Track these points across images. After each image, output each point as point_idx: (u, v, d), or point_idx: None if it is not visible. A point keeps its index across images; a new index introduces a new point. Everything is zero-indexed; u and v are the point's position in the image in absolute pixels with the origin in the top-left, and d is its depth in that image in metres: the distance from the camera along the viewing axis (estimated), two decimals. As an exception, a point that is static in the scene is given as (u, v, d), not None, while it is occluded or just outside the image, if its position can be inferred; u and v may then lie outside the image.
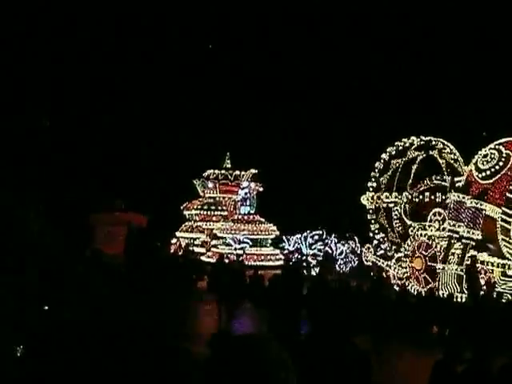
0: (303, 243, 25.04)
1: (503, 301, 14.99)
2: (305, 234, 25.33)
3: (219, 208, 29.37)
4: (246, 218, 26.51)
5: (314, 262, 24.03)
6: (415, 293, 17.48)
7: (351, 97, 32.21)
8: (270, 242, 26.35)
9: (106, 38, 31.49)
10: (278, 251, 26.13)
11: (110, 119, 33.09)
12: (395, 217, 19.97)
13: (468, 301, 14.97)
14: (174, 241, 30.07)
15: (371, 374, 5.61)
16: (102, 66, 32.06)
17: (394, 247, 19.88)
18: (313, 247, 24.85)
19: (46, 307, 8.28)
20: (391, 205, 20.04)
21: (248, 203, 26.92)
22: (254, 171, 28.44)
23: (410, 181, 19.95)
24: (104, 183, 30.23)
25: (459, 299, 15.98)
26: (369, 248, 20.82)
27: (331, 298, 12.07)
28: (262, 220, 26.63)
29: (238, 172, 29.76)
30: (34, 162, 27.69)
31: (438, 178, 19.18)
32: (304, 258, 24.44)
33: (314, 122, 33.70)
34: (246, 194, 27.09)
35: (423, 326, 13.90)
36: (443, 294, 16.50)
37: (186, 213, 30.62)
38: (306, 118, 33.93)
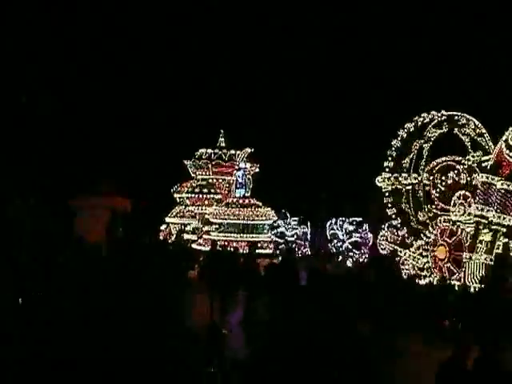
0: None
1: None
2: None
3: (212, 191, 29.34)
4: (241, 201, 26.46)
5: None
6: (426, 282, 17.51)
7: (361, 65, 31.99)
8: (267, 227, 26.35)
9: (90, 13, 31.31)
10: (273, 237, 26.23)
11: (95, 93, 32.88)
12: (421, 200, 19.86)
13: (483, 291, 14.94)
14: (163, 227, 30.10)
15: (370, 359, 5.66)
16: (87, 38, 31.85)
17: (412, 234, 19.76)
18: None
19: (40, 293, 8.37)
20: (416, 187, 19.90)
21: (243, 185, 26.84)
22: (249, 150, 28.33)
23: (424, 161, 19.82)
24: (86, 164, 30.11)
25: (472, 289, 15.98)
26: (384, 235, 20.73)
27: (333, 288, 12.08)
28: (259, 204, 26.59)
29: (232, 151, 29.67)
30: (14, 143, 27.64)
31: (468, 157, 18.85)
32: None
33: (318, 92, 33.52)
34: (242, 175, 26.99)
35: (434, 319, 13.94)
36: (455, 284, 16.50)
37: (176, 196, 30.60)
38: (309, 89, 33.75)
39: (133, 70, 33.43)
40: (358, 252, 24.92)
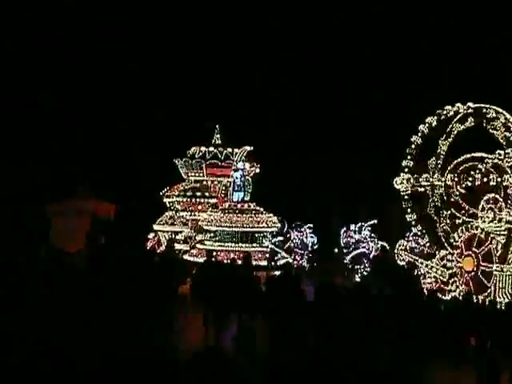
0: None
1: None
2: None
3: (206, 194, 29.30)
4: (239, 206, 26.42)
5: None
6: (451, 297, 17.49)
7: (372, 51, 32.07)
8: (268, 236, 26.31)
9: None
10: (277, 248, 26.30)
11: (70, 83, 32.88)
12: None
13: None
14: (151, 235, 30.06)
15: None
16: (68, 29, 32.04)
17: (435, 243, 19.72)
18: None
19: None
20: (441, 190, 19.85)
21: (242, 188, 26.80)
22: (248, 148, 28.29)
23: (439, 160, 19.82)
24: (64, 165, 30.10)
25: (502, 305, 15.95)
26: (403, 244, 20.68)
27: (344, 305, 12.05)
28: (260, 209, 26.55)
29: (229, 149, 29.64)
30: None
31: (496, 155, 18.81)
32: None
33: (322, 87, 33.58)
34: (240, 177, 26.96)
35: (459, 338, 13.92)
36: (482, 299, 16.48)
37: (165, 200, 30.56)
38: (313, 83, 33.79)
39: (116, 60, 33.47)
40: (362, 264, 25.01)
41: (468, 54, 29.59)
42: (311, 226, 28.06)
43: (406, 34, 31.06)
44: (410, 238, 20.75)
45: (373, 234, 25.50)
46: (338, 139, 32.75)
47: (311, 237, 27.89)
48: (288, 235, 26.95)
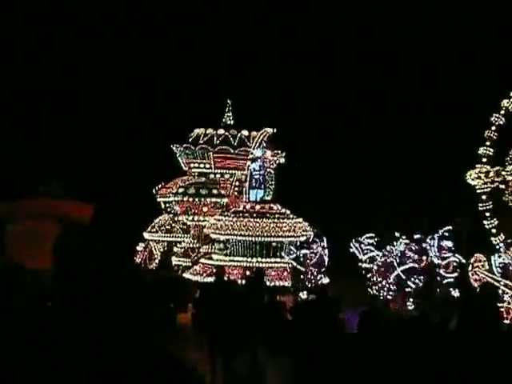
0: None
1: None
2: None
3: (214, 192, 29.22)
4: (258, 208, 26.38)
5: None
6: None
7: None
8: (292, 248, 26.13)
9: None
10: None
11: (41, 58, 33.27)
12: None
13: None
14: (140, 246, 30.10)
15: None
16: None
17: None
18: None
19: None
20: None
21: (261, 184, 26.77)
22: (270, 130, 28.17)
23: None
24: (32, 156, 30.30)
25: None
26: (480, 260, 20.48)
27: (396, 342, 11.86)
28: (286, 212, 26.48)
29: (245, 132, 29.55)
30: None
31: None
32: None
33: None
34: (259, 169, 26.94)
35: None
36: None
37: (160, 200, 30.59)
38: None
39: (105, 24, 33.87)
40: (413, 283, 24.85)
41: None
42: (372, 235, 27.55)
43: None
44: (501, 251, 20.42)
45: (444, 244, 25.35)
46: (378, 123, 33.06)
47: (371, 250, 27.46)
48: (315, 246, 26.41)
